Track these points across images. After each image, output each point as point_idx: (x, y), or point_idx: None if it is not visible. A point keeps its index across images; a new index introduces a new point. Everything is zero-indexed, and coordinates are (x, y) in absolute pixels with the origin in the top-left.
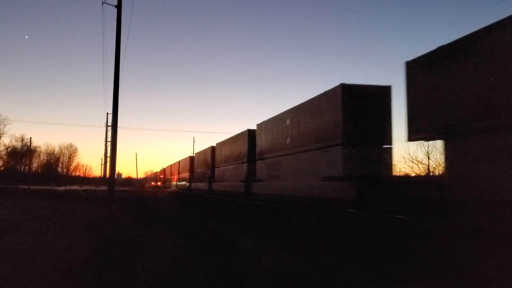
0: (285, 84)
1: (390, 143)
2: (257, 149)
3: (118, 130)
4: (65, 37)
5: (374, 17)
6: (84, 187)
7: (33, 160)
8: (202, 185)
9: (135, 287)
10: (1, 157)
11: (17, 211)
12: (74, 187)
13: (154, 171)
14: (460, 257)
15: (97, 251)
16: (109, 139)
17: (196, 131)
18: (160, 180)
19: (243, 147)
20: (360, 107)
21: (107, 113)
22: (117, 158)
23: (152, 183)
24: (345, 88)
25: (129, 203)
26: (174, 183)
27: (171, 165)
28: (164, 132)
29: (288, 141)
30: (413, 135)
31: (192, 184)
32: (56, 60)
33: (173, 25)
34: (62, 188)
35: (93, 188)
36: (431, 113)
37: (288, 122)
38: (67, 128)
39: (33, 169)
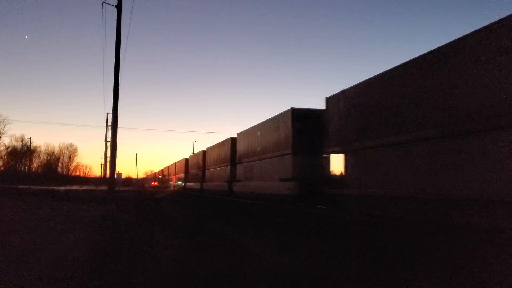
0: (285, 84)
1: (328, 152)
2: (237, 154)
3: (118, 130)
4: (65, 37)
5: (375, 19)
6: (84, 187)
7: (33, 160)
8: (195, 185)
9: (136, 286)
10: (1, 157)
11: (17, 211)
12: (74, 187)
13: (154, 171)
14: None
15: (98, 251)
16: (109, 139)
17: (196, 131)
18: (160, 180)
19: (227, 152)
20: (305, 125)
21: (107, 113)
22: (117, 158)
23: (152, 183)
24: (294, 111)
25: (129, 203)
26: (171, 183)
27: (168, 166)
28: (164, 132)
29: (258, 149)
30: (330, 149)
31: (187, 184)
32: (56, 60)
33: (173, 25)
34: (62, 188)
35: (93, 188)
36: (337, 135)
37: (258, 133)
38: (67, 128)
39: (33, 169)
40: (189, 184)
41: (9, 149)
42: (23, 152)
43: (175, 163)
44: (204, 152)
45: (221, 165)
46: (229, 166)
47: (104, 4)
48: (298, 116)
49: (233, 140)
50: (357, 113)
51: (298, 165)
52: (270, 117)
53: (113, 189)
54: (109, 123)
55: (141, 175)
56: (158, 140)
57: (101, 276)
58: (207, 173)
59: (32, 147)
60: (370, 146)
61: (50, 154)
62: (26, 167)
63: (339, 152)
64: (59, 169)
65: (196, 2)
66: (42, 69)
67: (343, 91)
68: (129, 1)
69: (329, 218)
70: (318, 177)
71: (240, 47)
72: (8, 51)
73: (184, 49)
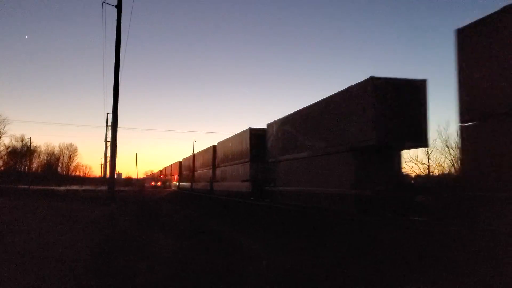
0: (285, 84)
1: (268, 161)
2: (216, 160)
3: (118, 130)
4: (65, 37)
5: (374, 20)
6: (84, 187)
7: (33, 160)
8: (187, 185)
9: (136, 286)
10: (1, 157)
11: (18, 211)
12: (74, 187)
13: (154, 171)
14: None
15: (98, 251)
16: (109, 139)
17: (196, 131)
18: (159, 180)
19: (210, 157)
20: (258, 142)
21: (107, 113)
22: (117, 158)
23: (152, 183)
24: (251, 131)
25: (129, 203)
26: (170, 183)
27: (165, 168)
28: (164, 132)
29: (230, 156)
30: (269, 159)
31: (180, 184)
32: (56, 60)
33: (173, 25)
34: (62, 188)
35: (93, 188)
36: (271, 150)
37: (230, 144)
38: (67, 128)
39: (33, 169)
40: (183, 184)
41: (9, 149)
42: (23, 152)
43: (171, 165)
44: (194, 156)
45: (205, 168)
46: (211, 169)
47: (104, 4)
48: (255, 135)
49: (214, 148)
50: (281, 136)
51: (253, 170)
52: (224, 138)
53: (113, 189)
54: (109, 123)
55: (141, 175)
56: (158, 140)
57: (101, 276)
58: (196, 174)
59: (32, 147)
60: (287, 159)
61: (50, 154)
62: (26, 167)
63: (273, 162)
64: (59, 169)
65: (196, 2)
66: (42, 69)
67: (275, 121)
68: (129, 1)
69: (264, 206)
70: (264, 179)
71: (241, 47)
72: (8, 51)
73: (184, 49)
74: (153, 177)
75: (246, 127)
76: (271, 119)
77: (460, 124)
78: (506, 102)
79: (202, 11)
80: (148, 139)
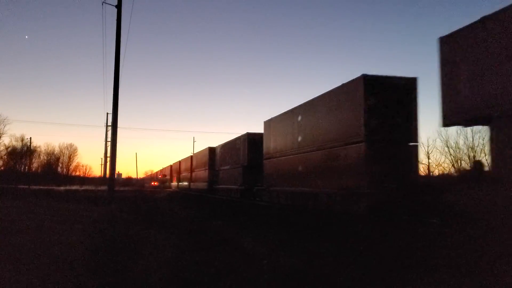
0: (286, 84)
1: (262, 162)
2: (215, 162)
3: (118, 130)
4: (65, 37)
5: (374, 19)
6: (84, 187)
7: (33, 160)
8: (186, 185)
9: (136, 286)
10: (1, 157)
11: (17, 211)
12: (74, 187)
13: (154, 171)
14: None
15: (98, 251)
16: (109, 139)
17: (196, 131)
18: (159, 180)
19: (206, 159)
20: (255, 146)
21: (107, 113)
22: (117, 158)
23: (152, 183)
24: (249, 135)
25: (129, 203)
26: (168, 183)
27: (165, 168)
28: (164, 132)
29: (227, 159)
30: (263, 160)
31: (179, 184)
32: (56, 60)
33: (173, 25)
34: (62, 188)
35: (93, 188)
36: (265, 150)
37: (224, 150)
38: (67, 128)
39: (33, 169)
40: (181, 184)
41: (9, 149)
42: (23, 152)
43: (171, 164)
44: (191, 157)
45: (203, 169)
46: (207, 170)
47: (104, 4)
48: (251, 140)
49: (211, 150)
50: (275, 136)
51: (246, 175)
52: (222, 143)
53: (113, 189)
54: (109, 123)
55: (141, 175)
56: (158, 140)
57: (101, 276)
58: (194, 175)
59: (32, 147)
60: (276, 157)
61: (50, 154)
62: (26, 167)
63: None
64: (59, 169)
65: (196, 2)
66: (42, 69)
67: (270, 119)
68: (129, 1)
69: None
70: (255, 180)
71: (241, 47)
72: (8, 51)
73: (184, 49)
74: (153, 177)
75: (246, 127)
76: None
77: (442, 127)
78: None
79: (202, 11)
80: (148, 139)
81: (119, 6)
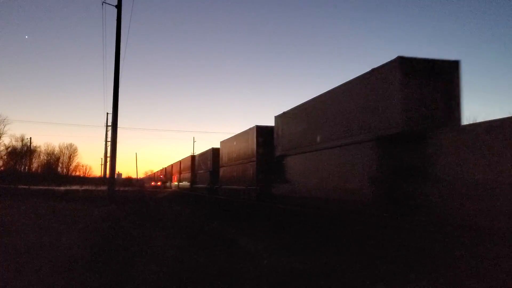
0: (286, 84)
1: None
2: (220, 162)
3: (118, 130)
4: (65, 37)
5: (374, 18)
6: (84, 187)
7: (33, 160)
8: (188, 185)
9: (136, 286)
10: (1, 157)
11: (17, 211)
12: (74, 187)
13: (154, 171)
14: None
15: (98, 251)
16: (109, 139)
17: (196, 131)
18: (159, 180)
19: (209, 160)
20: (266, 140)
21: (107, 113)
22: (117, 158)
23: (152, 183)
24: (214, 150)
25: (129, 203)
26: (169, 183)
27: (165, 168)
28: (164, 132)
29: (201, 165)
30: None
31: (180, 184)
32: (56, 60)
33: (173, 25)
34: (62, 188)
35: (93, 188)
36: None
37: (199, 158)
38: (67, 128)
39: (33, 169)
40: (182, 184)
41: (9, 149)
42: (23, 152)
43: (171, 164)
44: (193, 157)
45: (204, 170)
46: (209, 171)
47: (104, 4)
48: (215, 151)
49: (214, 151)
50: (292, 128)
51: (260, 174)
52: (225, 139)
53: (113, 189)
54: (109, 123)
55: (141, 175)
56: (158, 140)
57: (101, 276)
58: (198, 175)
59: (32, 147)
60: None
61: (50, 154)
62: (26, 167)
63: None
64: (59, 169)
65: (196, 2)
66: (42, 69)
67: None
68: (129, 1)
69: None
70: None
71: (241, 47)
72: (8, 51)
73: (184, 49)
74: (153, 177)
75: (246, 127)
76: (271, 120)
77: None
78: None
79: (202, 11)
80: (148, 139)
81: (119, 6)
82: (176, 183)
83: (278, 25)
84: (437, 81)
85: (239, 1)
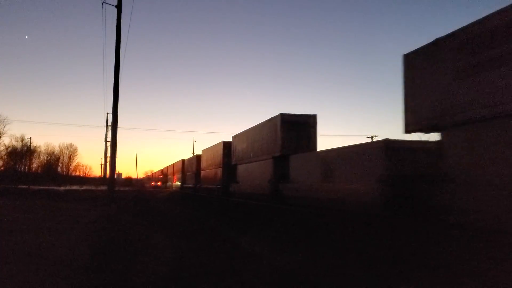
0: (286, 84)
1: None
2: (201, 166)
3: (118, 130)
4: (65, 37)
5: (376, 15)
6: (84, 187)
7: (33, 160)
8: (180, 184)
9: (136, 286)
10: (1, 157)
11: (17, 211)
12: (74, 187)
13: (154, 171)
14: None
15: (98, 251)
16: (109, 139)
17: (196, 131)
18: (159, 180)
19: (195, 164)
20: (228, 150)
21: (107, 113)
22: (117, 158)
23: (152, 183)
24: (224, 144)
25: (129, 203)
26: (170, 183)
27: (165, 168)
28: (164, 132)
29: (207, 164)
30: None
31: (174, 184)
32: (56, 60)
33: (173, 25)
34: (62, 188)
35: (93, 188)
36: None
37: (206, 157)
38: (67, 128)
39: (33, 169)
40: (175, 184)
41: (9, 149)
42: (23, 152)
43: (172, 164)
44: (183, 161)
45: (191, 172)
46: (195, 173)
47: (104, 4)
48: (225, 146)
49: (198, 156)
50: (240, 146)
51: (227, 174)
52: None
53: (113, 189)
54: (109, 123)
55: (141, 175)
56: (158, 140)
57: (101, 276)
58: (187, 176)
59: (32, 147)
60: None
61: (50, 154)
62: (26, 167)
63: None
64: (59, 169)
65: (196, 2)
66: (42, 69)
67: (236, 135)
68: (129, 1)
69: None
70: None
71: (241, 47)
72: (8, 51)
73: (184, 49)
74: (153, 177)
75: (246, 127)
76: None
77: (404, 133)
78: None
79: (203, 11)
80: (148, 139)
81: (119, 6)
82: (175, 183)
83: (279, 25)
84: (301, 127)
85: (240, 1)
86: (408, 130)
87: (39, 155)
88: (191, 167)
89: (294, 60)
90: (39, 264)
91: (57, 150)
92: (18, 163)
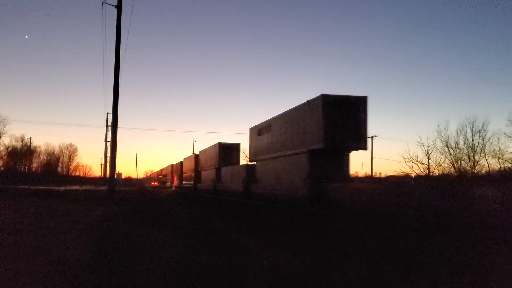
0: (286, 84)
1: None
2: (199, 166)
3: (118, 130)
4: (65, 37)
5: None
6: (84, 187)
7: (33, 160)
8: (190, 185)
9: (136, 286)
10: (1, 157)
11: (17, 211)
12: (74, 187)
13: (154, 171)
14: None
15: (98, 251)
16: (109, 139)
17: (196, 131)
18: (159, 180)
19: (193, 164)
20: (229, 153)
21: (107, 113)
22: (117, 158)
23: (152, 183)
24: (220, 144)
25: (129, 203)
26: (170, 183)
27: (165, 168)
28: (164, 132)
29: (205, 164)
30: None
31: (181, 184)
32: (56, 60)
33: (173, 25)
34: (62, 188)
35: (93, 188)
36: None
37: (203, 156)
38: (67, 128)
39: (33, 169)
40: (172, 184)
41: (9, 149)
42: (23, 152)
43: (172, 164)
44: (181, 163)
45: (190, 173)
46: (194, 173)
47: (104, 4)
48: (223, 146)
49: (196, 156)
50: (260, 139)
51: (219, 175)
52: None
53: (113, 189)
54: (109, 123)
55: (141, 175)
56: (158, 140)
57: (101, 276)
58: (184, 176)
59: (32, 147)
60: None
61: (50, 154)
62: (26, 167)
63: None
64: (59, 169)
65: (196, 2)
66: (42, 69)
67: (255, 126)
68: (129, 1)
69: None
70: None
71: (242, 48)
72: (8, 51)
73: (184, 49)
74: (153, 177)
75: (246, 127)
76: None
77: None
78: None
79: (203, 11)
80: (148, 139)
81: (119, 6)
82: (175, 183)
83: (279, 26)
84: (349, 111)
85: (240, 1)
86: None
87: (39, 155)
88: (190, 168)
89: (294, 60)
90: (39, 264)
91: (57, 150)
92: (18, 163)
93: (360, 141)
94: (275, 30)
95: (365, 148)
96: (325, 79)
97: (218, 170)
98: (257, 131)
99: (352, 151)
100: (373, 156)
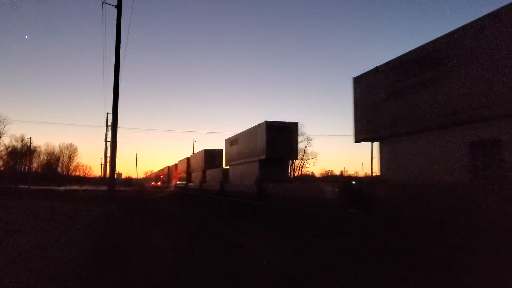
0: (286, 84)
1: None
2: (190, 168)
3: (118, 130)
4: (65, 37)
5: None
6: (84, 187)
7: (33, 160)
8: (179, 184)
9: (136, 287)
10: (1, 157)
11: (17, 211)
12: (74, 187)
13: (154, 171)
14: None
15: (98, 251)
16: (109, 139)
17: (196, 131)
18: (159, 180)
19: (185, 166)
20: (212, 158)
21: (107, 113)
22: (117, 158)
23: (152, 183)
24: (205, 151)
25: (129, 203)
26: (170, 183)
27: (165, 168)
28: (164, 132)
29: (195, 167)
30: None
31: (172, 184)
32: (56, 60)
33: (173, 25)
34: (62, 188)
35: (93, 188)
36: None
37: (193, 160)
38: (67, 128)
39: (33, 169)
40: (171, 184)
41: (9, 149)
42: (23, 152)
43: (172, 165)
44: (176, 165)
45: (183, 173)
46: (186, 174)
47: (104, 4)
48: (208, 152)
49: (188, 159)
50: (231, 149)
51: (204, 176)
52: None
53: (113, 189)
54: (109, 123)
55: (141, 175)
56: (158, 140)
57: (101, 276)
58: (178, 177)
59: (32, 147)
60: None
61: (50, 154)
62: (26, 167)
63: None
64: (59, 169)
65: (196, 2)
66: (42, 69)
67: (229, 138)
68: (129, 1)
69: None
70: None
71: (242, 48)
72: (8, 51)
73: (184, 49)
74: (153, 177)
75: (246, 127)
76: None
77: (354, 142)
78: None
79: (203, 11)
80: (148, 139)
81: (119, 6)
82: (177, 182)
83: (279, 26)
84: (285, 133)
85: (240, 2)
86: (357, 140)
87: (39, 155)
88: (182, 170)
89: (294, 60)
90: (39, 264)
91: (57, 150)
92: (18, 163)
93: (292, 153)
94: (275, 30)
95: (296, 158)
96: (325, 77)
97: (204, 172)
98: (230, 142)
99: (288, 160)
100: (373, 156)
